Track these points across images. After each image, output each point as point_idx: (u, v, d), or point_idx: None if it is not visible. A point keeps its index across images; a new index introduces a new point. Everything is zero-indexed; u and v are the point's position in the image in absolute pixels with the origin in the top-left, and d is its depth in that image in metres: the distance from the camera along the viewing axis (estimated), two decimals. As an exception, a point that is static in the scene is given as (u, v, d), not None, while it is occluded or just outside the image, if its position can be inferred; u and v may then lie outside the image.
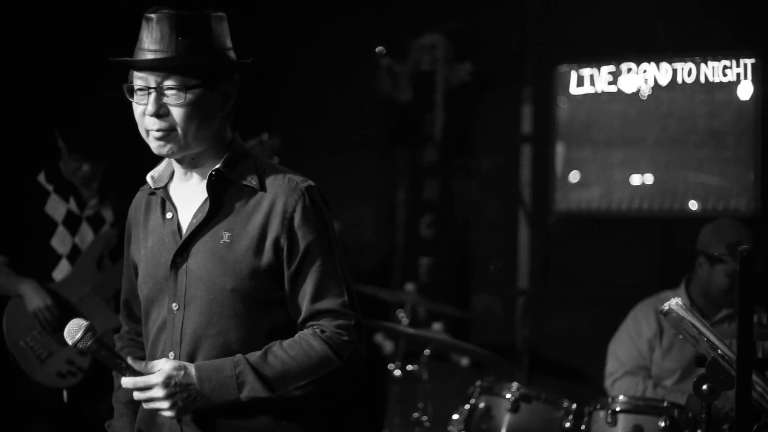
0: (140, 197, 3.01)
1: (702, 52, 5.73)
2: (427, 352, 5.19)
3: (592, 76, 6.01)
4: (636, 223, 6.00)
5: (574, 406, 4.64)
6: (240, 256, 2.75)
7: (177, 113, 2.72)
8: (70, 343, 2.63)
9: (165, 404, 2.66)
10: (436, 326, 5.67)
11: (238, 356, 2.72)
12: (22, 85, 5.56)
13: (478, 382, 4.79)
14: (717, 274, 4.86)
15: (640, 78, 5.84)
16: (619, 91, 5.95)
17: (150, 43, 2.71)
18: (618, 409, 4.37)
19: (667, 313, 3.02)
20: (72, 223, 5.05)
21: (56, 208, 5.03)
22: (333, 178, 6.77)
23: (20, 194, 5.08)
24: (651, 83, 5.85)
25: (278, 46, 6.87)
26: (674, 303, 2.95)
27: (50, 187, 5.05)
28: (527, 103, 6.29)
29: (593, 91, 6.01)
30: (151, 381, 2.66)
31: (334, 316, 2.77)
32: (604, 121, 6.04)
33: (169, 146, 2.75)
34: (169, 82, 2.70)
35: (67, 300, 4.95)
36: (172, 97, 2.71)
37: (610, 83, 5.97)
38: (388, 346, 5.67)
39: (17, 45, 5.59)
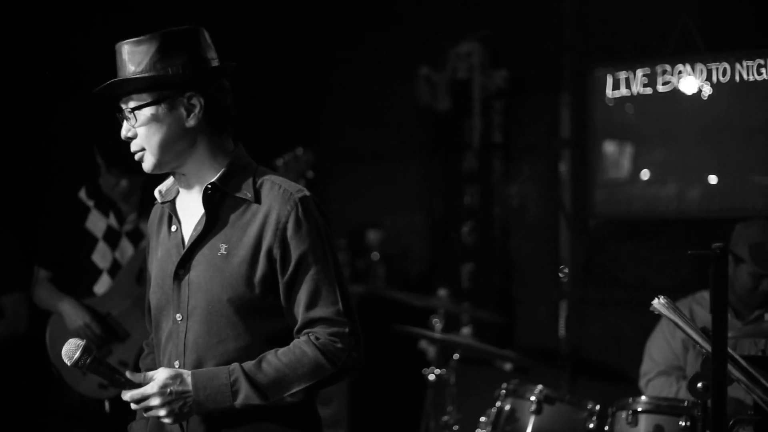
0: (155, 210, 3.14)
1: (736, 52, 5.69)
2: (456, 356, 5.26)
3: (627, 79, 6.01)
4: (675, 224, 5.98)
5: (598, 407, 4.68)
6: (236, 267, 2.84)
7: (139, 133, 2.88)
8: (68, 363, 2.74)
9: (162, 412, 2.77)
10: (465, 330, 5.72)
11: (234, 364, 2.81)
12: (62, 101, 5.72)
13: (504, 385, 4.85)
14: (740, 274, 4.83)
15: (693, 79, 5.80)
16: (655, 92, 5.94)
17: (117, 70, 2.88)
18: (639, 409, 4.39)
19: (656, 312, 3.04)
20: (112, 238, 5.17)
21: (96, 223, 5.16)
22: (375, 188, 6.90)
23: (62, 210, 5.21)
24: (693, 84, 5.81)
25: (320, 59, 7.00)
26: (656, 302, 2.98)
27: (90, 203, 5.18)
28: (564, 108, 6.32)
29: (629, 94, 6.01)
30: (147, 392, 2.76)
31: (328, 324, 2.83)
32: (641, 124, 6.04)
33: (146, 164, 2.92)
34: (130, 104, 2.87)
35: (108, 313, 5.06)
36: (132, 120, 2.87)
37: (645, 85, 5.96)
38: (431, 352, 5.73)
39: (56, 62, 5.77)
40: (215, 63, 2.96)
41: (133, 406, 2.80)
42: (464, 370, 5.59)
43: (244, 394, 2.78)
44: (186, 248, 2.92)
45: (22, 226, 5.42)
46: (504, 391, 4.83)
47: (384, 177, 6.86)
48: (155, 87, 2.84)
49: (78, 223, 5.15)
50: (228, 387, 2.78)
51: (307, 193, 2.92)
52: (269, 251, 2.83)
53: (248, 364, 2.81)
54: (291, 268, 2.83)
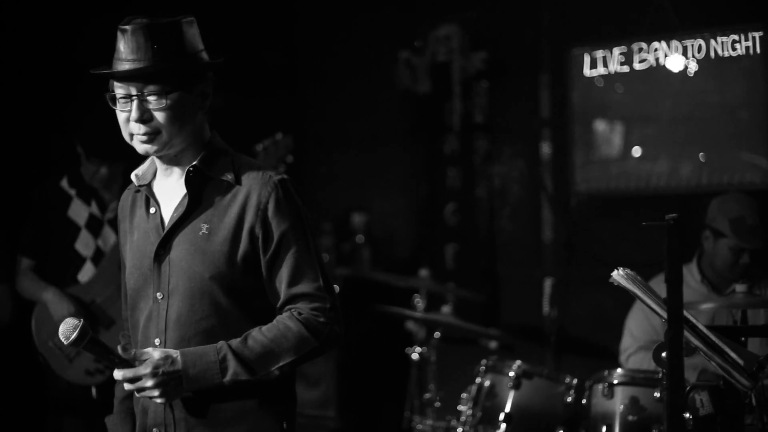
0: (126, 195, 3.20)
1: (710, 28, 5.74)
2: (437, 335, 5.34)
3: (604, 58, 6.06)
4: (657, 201, 6.03)
5: (575, 381, 4.74)
6: (218, 246, 2.93)
7: (160, 117, 2.91)
8: (65, 342, 2.78)
9: (155, 392, 2.83)
10: (446, 309, 5.79)
11: (221, 342, 2.89)
12: (41, 90, 5.76)
13: (484, 361, 4.93)
14: (721, 248, 4.88)
15: (679, 56, 5.85)
16: (632, 70, 5.99)
17: (128, 54, 2.89)
18: (615, 382, 4.46)
19: (616, 283, 3.09)
20: (94, 226, 5.20)
21: (79, 212, 5.19)
22: (359, 172, 6.96)
23: (44, 199, 5.23)
24: (679, 61, 5.86)
25: (302, 45, 7.05)
26: (616, 273, 3.03)
27: (72, 192, 5.21)
28: (544, 88, 6.37)
29: (606, 73, 6.07)
30: (140, 372, 2.82)
31: (310, 299, 2.93)
32: (619, 102, 6.10)
33: (154, 147, 2.95)
34: (149, 89, 2.89)
35: (92, 301, 5.09)
36: (153, 103, 2.90)
37: (622, 64, 6.02)
38: (420, 332, 5.80)
39: (33, 52, 5.80)
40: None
41: (126, 386, 2.87)
42: (448, 349, 5.68)
43: (233, 370, 2.86)
44: (167, 229, 2.99)
45: (5, 217, 5.46)
46: (484, 367, 4.90)
47: (367, 161, 6.93)
48: (180, 74, 2.93)
49: (60, 212, 5.19)
50: (217, 364, 2.85)
51: (285, 175, 3.01)
52: (251, 230, 2.92)
53: (235, 342, 2.88)
54: (273, 247, 2.93)
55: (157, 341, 2.98)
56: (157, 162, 3.07)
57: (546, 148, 6.38)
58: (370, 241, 6.82)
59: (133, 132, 2.94)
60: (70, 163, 5.26)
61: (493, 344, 6.10)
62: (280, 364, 2.93)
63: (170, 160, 3.03)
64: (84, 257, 5.18)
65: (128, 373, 2.83)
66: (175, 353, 2.87)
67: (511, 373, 4.74)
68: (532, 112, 6.40)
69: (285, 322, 2.91)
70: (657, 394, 4.31)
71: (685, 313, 2.93)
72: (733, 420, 3.09)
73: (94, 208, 5.22)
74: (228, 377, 2.87)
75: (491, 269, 6.63)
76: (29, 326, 5.13)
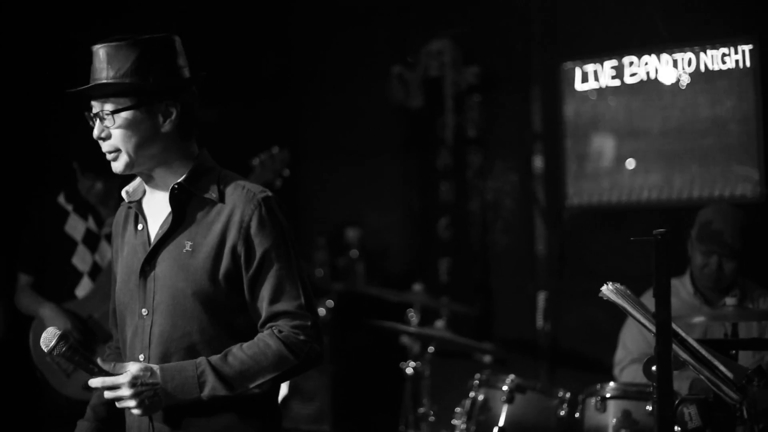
0: (120, 211, 3.25)
1: (700, 41, 5.78)
2: (431, 349, 5.37)
3: (595, 72, 6.10)
4: (649, 214, 6.05)
5: (569, 394, 4.76)
6: (201, 264, 2.96)
7: (114, 135, 2.97)
8: (45, 350, 2.86)
9: (132, 402, 2.86)
10: (439, 324, 5.81)
11: (201, 358, 2.93)
12: (36, 105, 5.77)
13: (478, 376, 4.94)
14: (694, 255, 4.91)
15: (672, 69, 5.89)
16: (623, 84, 6.03)
17: (93, 73, 2.97)
18: (608, 395, 4.48)
19: (605, 298, 3.10)
20: (91, 241, 5.21)
21: (75, 227, 5.20)
22: (352, 186, 6.99)
23: (41, 215, 5.25)
24: (671, 74, 5.89)
25: (295, 60, 7.08)
26: (605, 288, 3.05)
27: (69, 207, 5.22)
28: (535, 102, 6.40)
29: (597, 86, 6.10)
30: (119, 381, 2.86)
31: (291, 317, 2.96)
32: (610, 115, 6.13)
33: (118, 164, 3.01)
34: (106, 107, 2.95)
35: (89, 316, 5.10)
36: (107, 121, 2.96)
37: (613, 77, 6.06)
38: (415, 347, 5.81)
39: (26, 65, 5.81)
40: (187, 71, 3.07)
41: (105, 394, 2.89)
42: (442, 363, 5.70)
43: (211, 385, 2.89)
44: (152, 245, 3.03)
45: (2, 234, 5.48)
46: (477, 381, 4.92)
47: (361, 175, 6.96)
48: (136, 93, 2.95)
49: (58, 228, 5.20)
50: (195, 379, 2.89)
51: (269, 193, 3.05)
52: (233, 248, 2.95)
53: (214, 358, 2.92)
54: (255, 265, 2.96)
55: (141, 357, 3.01)
56: (144, 179, 3.11)
57: (538, 162, 6.41)
58: (364, 255, 6.84)
59: (101, 149, 3.03)
60: (67, 178, 5.27)
61: (486, 358, 6.12)
62: (259, 381, 2.95)
63: (154, 178, 3.08)
64: (81, 272, 5.18)
65: (107, 380, 2.87)
66: (156, 367, 2.91)
67: (505, 387, 4.76)
68: (524, 126, 6.43)
69: (265, 340, 2.94)
70: (649, 408, 4.34)
71: (675, 326, 2.95)
72: (723, 432, 3.11)
73: (91, 223, 5.23)
74: (206, 392, 2.90)
75: (484, 283, 6.66)
76: (27, 341, 5.12)
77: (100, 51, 2.94)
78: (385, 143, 6.92)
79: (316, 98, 7.12)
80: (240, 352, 2.92)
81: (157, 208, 3.10)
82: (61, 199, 5.26)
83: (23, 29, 5.81)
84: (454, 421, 4.96)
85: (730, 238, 4.81)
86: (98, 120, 2.97)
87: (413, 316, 5.73)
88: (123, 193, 3.15)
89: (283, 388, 5.14)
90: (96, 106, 2.97)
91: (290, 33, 7.05)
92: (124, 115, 2.95)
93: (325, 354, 6.21)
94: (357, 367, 6.59)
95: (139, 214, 3.11)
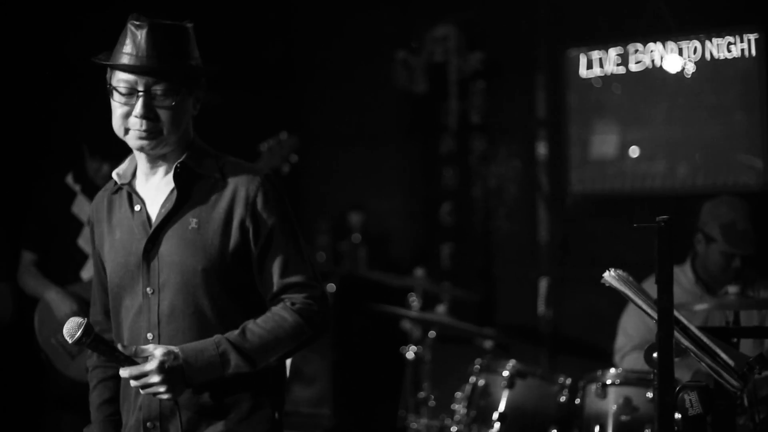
0: (101, 197, 3.20)
1: (706, 30, 5.77)
2: (432, 334, 5.37)
3: (600, 59, 6.10)
4: (651, 201, 6.05)
5: (569, 380, 4.77)
6: (209, 240, 2.96)
7: (164, 115, 2.94)
8: (70, 341, 2.79)
9: (161, 388, 2.84)
10: (440, 309, 5.81)
11: (218, 336, 2.92)
12: (43, 84, 5.78)
13: (478, 361, 4.95)
14: (712, 253, 4.91)
15: (677, 57, 5.88)
16: (628, 71, 6.02)
17: (141, 50, 2.90)
18: (608, 382, 4.48)
19: (607, 284, 3.10)
20: (98, 222, 5.23)
21: (82, 208, 5.16)
22: (356, 171, 6.98)
23: (48, 194, 5.25)
24: (677, 62, 5.89)
25: (300, 46, 7.07)
26: (607, 274, 3.04)
27: (77, 188, 5.21)
28: (540, 89, 6.39)
29: (602, 74, 6.10)
30: (146, 368, 2.83)
31: (302, 289, 2.99)
32: (614, 103, 6.13)
33: (152, 144, 2.96)
34: (158, 87, 2.92)
35: (93, 299, 5.13)
36: (160, 101, 2.93)
37: (618, 65, 6.05)
38: (416, 332, 5.82)
39: (34, 44, 5.81)
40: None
41: (132, 383, 2.87)
42: (442, 348, 5.70)
43: (234, 363, 2.90)
44: (156, 224, 3.00)
45: (8, 215, 5.48)
46: (478, 366, 4.93)
47: (365, 160, 6.95)
48: (183, 76, 2.96)
49: (64, 208, 5.19)
50: (218, 358, 2.89)
51: (269, 171, 3.09)
52: (242, 223, 2.96)
53: (233, 335, 2.92)
54: (263, 239, 2.98)
55: (150, 336, 2.99)
56: (141, 160, 3.07)
57: (542, 149, 6.41)
58: (366, 240, 6.84)
59: (132, 127, 2.94)
60: (76, 158, 5.26)
61: (487, 344, 6.12)
62: (279, 354, 2.99)
63: (156, 158, 3.05)
64: (86, 254, 5.14)
65: (134, 370, 2.84)
66: (176, 349, 2.88)
67: (505, 373, 4.77)
68: (528, 113, 6.43)
69: (280, 313, 2.96)
70: (649, 395, 4.34)
71: (677, 314, 2.95)
72: (723, 420, 3.11)
73: (99, 205, 5.22)
74: (230, 370, 2.90)
75: (487, 269, 6.66)
76: (31, 324, 5.12)
77: (154, 29, 2.91)
78: (389, 128, 6.92)
79: (320, 83, 7.11)
80: (257, 328, 2.94)
81: (154, 188, 3.08)
82: (69, 180, 5.25)
83: (33, 8, 5.81)
84: (455, 406, 4.98)
85: (754, 236, 4.83)
86: (143, 97, 2.91)
87: (415, 301, 5.73)
88: (114, 175, 3.11)
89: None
90: (140, 83, 2.92)
91: (295, 18, 7.04)
92: (180, 97, 2.95)
93: (326, 338, 6.33)
94: (358, 351, 6.59)
95: (134, 195, 3.08)
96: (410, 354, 5.62)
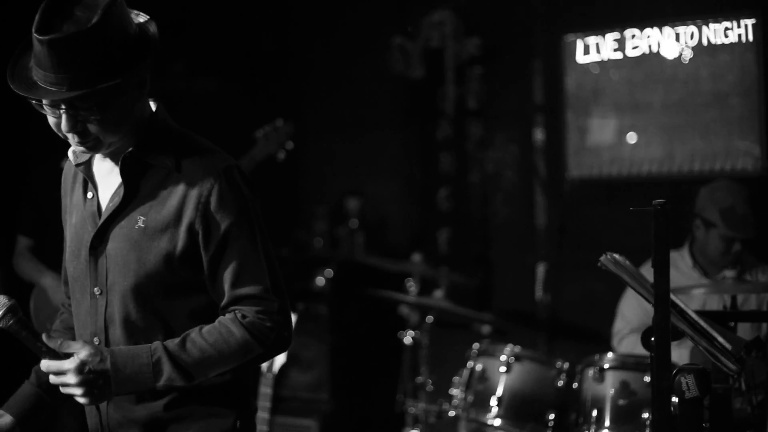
0: (69, 167, 2.95)
1: (703, 15, 5.77)
2: (429, 319, 5.39)
3: (597, 44, 6.09)
4: (648, 186, 6.07)
5: (567, 365, 4.78)
6: (154, 241, 2.69)
7: (94, 128, 2.61)
8: None
9: (78, 390, 2.59)
10: (438, 294, 5.82)
11: (156, 343, 2.67)
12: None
13: (476, 345, 4.97)
14: (712, 238, 4.92)
15: (674, 42, 5.87)
16: (625, 57, 6.02)
17: (47, 67, 2.52)
18: (606, 366, 4.48)
19: (604, 268, 3.11)
20: (93, 209, 5.22)
21: (78, 194, 5.21)
22: (353, 157, 6.99)
23: (44, 179, 5.19)
24: (674, 48, 5.88)
25: (297, 32, 7.06)
26: (604, 258, 3.06)
27: None
28: (537, 74, 6.39)
29: (599, 59, 6.10)
30: (64, 366, 2.58)
31: (255, 301, 2.71)
32: (612, 88, 6.13)
33: (94, 151, 2.70)
34: (78, 101, 2.56)
35: (88, 284, 5.13)
36: (84, 116, 2.58)
37: (615, 50, 6.05)
38: (413, 317, 5.84)
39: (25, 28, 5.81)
40: (138, 20, 2.70)
41: (51, 379, 2.62)
42: (440, 333, 5.73)
43: (167, 375, 2.64)
44: (102, 219, 2.75)
45: (3, 200, 5.47)
46: (476, 351, 4.95)
47: (361, 145, 6.96)
48: (114, 76, 2.56)
49: (60, 193, 5.19)
50: (150, 367, 2.63)
51: (231, 162, 2.76)
52: (190, 226, 2.68)
53: (171, 343, 2.67)
54: (215, 244, 2.69)
55: (96, 340, 2.76)
56: None
57: (539, 134, 6.41)
58: (363, 225, 6.85)
59: (68, 139, 2.65)
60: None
61: (485, 329, 6.14)
62: (220, 370, 2.72)
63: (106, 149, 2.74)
64: (82, 238, 5.15)
65: (53, 365, 2.59)
66: (106, 351, 2.63)
67: (503, 357, 4.78)
68: (526, 98, 6.43)
69: (227, 326, 2.70)
70: (647, 379, 4.35)
71: (674, 297, 2.96)
72: (720, 403, 3.12)
73: (94, 191, 5.21)
74: (161, 382, 2.65)
75: (484, 254, 6.67)
76: (27, 309, 5.13)
77: (55, 43, 2.49)
78: (386, 114, 6.92)
79: (317, 69, 7.11)
80: (200, 339, 2.67)
81: (107, 174, 2.79)
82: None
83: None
84: (453, 391, 4.99)
85: (753, 220, 4.84)
86: (65, 114, 2.58)
87: (412, 286, 5.75)
88: (70, 154, 2.81)
89: (281, 357, 5.16)
90: (58, 101, 2.56)
91: (290, 4, 7.04)
92: (108, 104, 2.58)
93: (324, 323, 6.34)
94: (356, 336, 6.61)
95: (88, 181, 2.81)
96: (408, 339, 5.65)
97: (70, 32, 2.49)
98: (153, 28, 2.69)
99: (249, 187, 2.77)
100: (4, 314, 2.59)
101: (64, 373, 2.57)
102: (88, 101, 2.55)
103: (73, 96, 2.52)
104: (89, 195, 2.81)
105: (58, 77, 2.52)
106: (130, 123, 2.69)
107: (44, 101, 2.58)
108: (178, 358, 2.65)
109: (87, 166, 2.82)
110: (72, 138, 2.63)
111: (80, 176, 2.85)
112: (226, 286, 2.71)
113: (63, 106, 2.56)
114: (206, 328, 2.70)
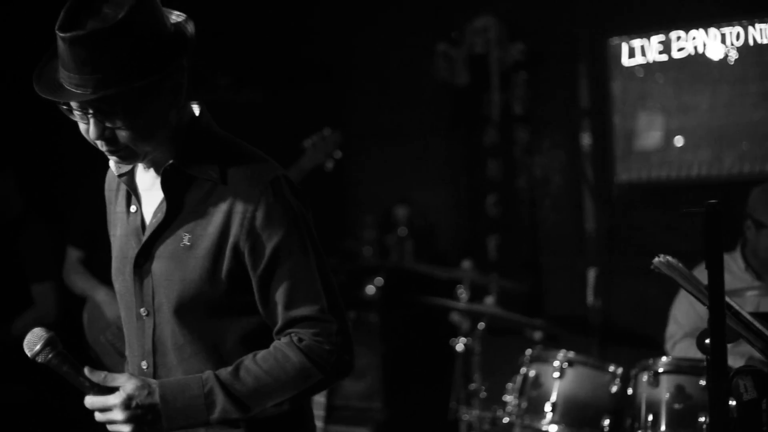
0: (111, 176, 2.79)
1: (749, 15, 5.73)
2: (481, 325, 5.40)
3: (642, 47, 6.07)
4: (699, 190, 6.03)
5: (621, 369, 4.75)
6: (200, 261, 2.52)
7: (123, 136, 2.45)
8: (29, 354, 2.47)
9: (126, 428, 2.45)
10: (489, 300, 5.82)
11: (208, 373, 2.51)
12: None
13: (529, 351, 4.96)
14: (763, 238, 4.87)
15: (719, 44, 5.85)
16: (671, 59, 6.00)
17: (72, 67, 2.36)
18: (660, 370, 4.44)
19: (657, 270, 3.10)
20: (144, 222, 5.26)
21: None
22: (400, 165, 7.01)
23: (94, 191, 5.29)
24: (719, 50, 5.86)
25: (340, 41, 7.10)
26: (657, 260, 3.04)
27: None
28: (582, 78, 6.37)
29: (644, 62, 6.08)
30: (110, 402, 2.44)
31: (312, 324, 2.52)
32: (658, 91, 6.10)
33: (127, 161, 2.56)
34: (104, 106, 2.40)
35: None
36: (112, 121, 2.43)
37: (660, 52, 6.02)
38: (465, 324, 5.84)
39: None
40: (175, 19, 2.52)
41: (97, 416, 2.48)
42: (492, 339, 5.72)
43: (221, 407, 2.48)
44: (146, 236, 2.58)
45: (55, 215, 5.52)
46: (528, 357, 4.93)
47: (407, 153, 6.97)
48: (144, 78, 2.39)
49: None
50: (202, 399, 2.47)
51: (279, 172, 2.56)
52: (236, 245, 2.50)
53: (224, 372, 2.50)
54: (263, 263, 2.50)
55: (144, 364, 2.61)
56: None
57: (586, 139, 6.39)
58: (412, 233, 6.87)
59: (98, 147, 2.49)
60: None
61: (537, 334, 6.12)
62: (278, 399, 2.54)
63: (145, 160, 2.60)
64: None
65: (97, 401, 2.45)
66: (154, 383, 2.47)
67: (556, 363, 4.76)
68: (571, 103, 6.42)
69: (283, 350, 2.51)
70: (703, 382, 4.30)
71: (728, 299, 2.94)
72: (778, 405, 3.10)
73: (144, 205, 5.25)
74: (215, 416, 2.48)
75: (534, 260, 6.66)
76: (80, 321, 5.15)
77: (80, 41, 2.32)
78: (431, 121, 6.92)
79: (361, 78, 7.14)
80: (254, 366, 2.50)
81: (150, 187, 2.64)
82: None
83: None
84: (506, 397, 4.98)
85: None
86: (93, 119, 2.43)
87: (463, 292, 5.74)
88: (111, 164, 2.68)
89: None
90: (84, 104, 2.41)
91: (334, 13, 7.07)
92: (138, 110, 2.43)
93: (375, 331, 6.36)
94: (407, 344, 6.62)
95: (132, 193, 2.65)
96: (460, 346, 5.66)
97: (93, 29, 2.31)
98: (191, 27, 2.50)
99: (299, 198, 2.59)
100: (42, 348, 2.46)
101: (110, 409, 2.44)
102: (115, 105, 2.38)
103: (97, 97, 2.35)
104: (132, 209, 2.66)
105: (83, 78, 2.34)
106: (167, 131, 2.53)
107: (73, 106, 2.43)
108: (231, 388, 2.48)
109: (130, 177, 2.66)
110: (102, 146, 2.47)
111: (123, 187, 2.69)
112: (280, 308, 2.53)
113: (90, 111, 2.40)
114: (261, 354, 2.53)
